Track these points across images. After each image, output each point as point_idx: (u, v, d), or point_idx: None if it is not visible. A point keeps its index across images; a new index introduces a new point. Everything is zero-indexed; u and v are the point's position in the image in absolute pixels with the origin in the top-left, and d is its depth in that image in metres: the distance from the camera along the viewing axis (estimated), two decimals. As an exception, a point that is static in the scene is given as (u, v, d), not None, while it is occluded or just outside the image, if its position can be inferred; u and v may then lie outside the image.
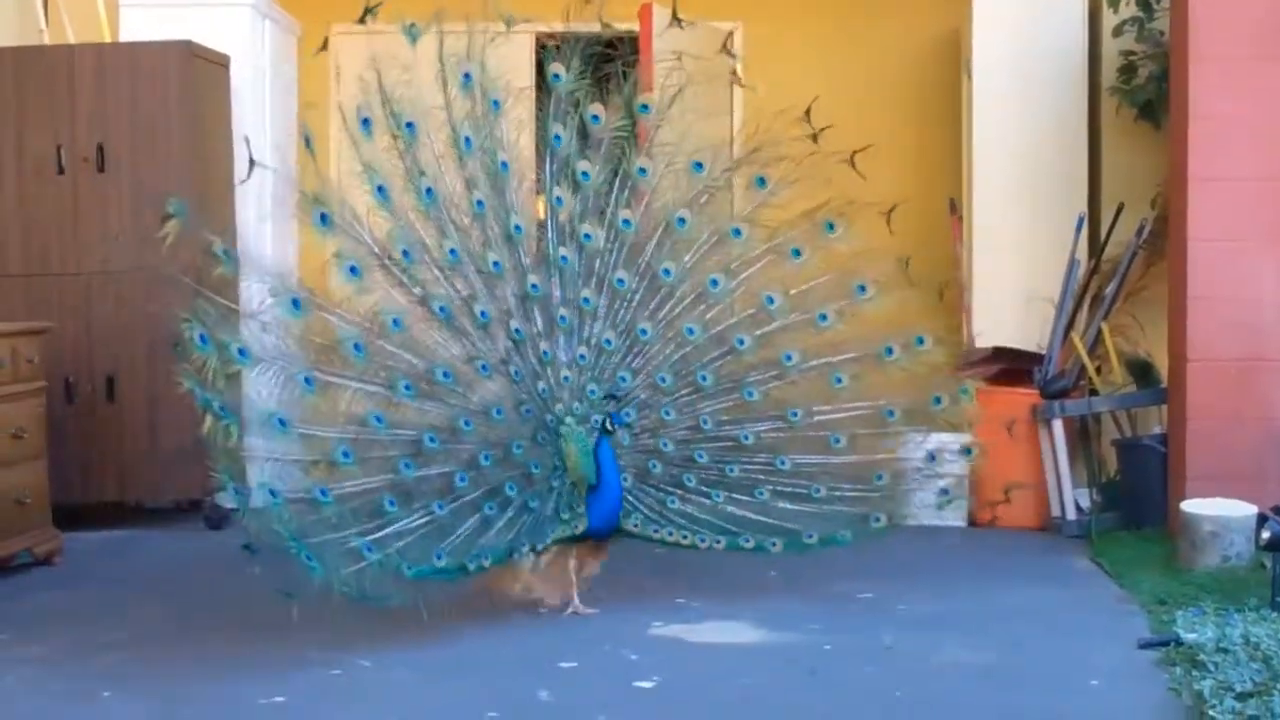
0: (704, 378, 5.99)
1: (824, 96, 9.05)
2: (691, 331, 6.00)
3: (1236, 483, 6.52)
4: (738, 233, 6.11)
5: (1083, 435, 7.81)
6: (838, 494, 6.05)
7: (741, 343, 6.02)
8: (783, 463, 6.02)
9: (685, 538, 5.97)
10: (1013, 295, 8.13)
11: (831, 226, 6.11)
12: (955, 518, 7.80)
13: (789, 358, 6.03)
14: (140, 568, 7.05)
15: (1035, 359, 7.78)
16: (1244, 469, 6.66)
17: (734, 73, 6.30)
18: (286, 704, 4.77)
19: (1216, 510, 6.35)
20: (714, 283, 6.03)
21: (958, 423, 6.29)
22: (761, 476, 6.04)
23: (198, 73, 7.94)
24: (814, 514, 6.03)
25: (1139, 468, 7.42)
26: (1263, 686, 4.49)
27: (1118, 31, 8.02)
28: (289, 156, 9.05)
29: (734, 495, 6.02)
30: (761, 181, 6.13)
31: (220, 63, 8.22)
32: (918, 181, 9.05)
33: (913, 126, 9.15)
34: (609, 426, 5.75)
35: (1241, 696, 4.44)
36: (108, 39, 8.26)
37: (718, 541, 6.00)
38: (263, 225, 8.58)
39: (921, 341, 6.08)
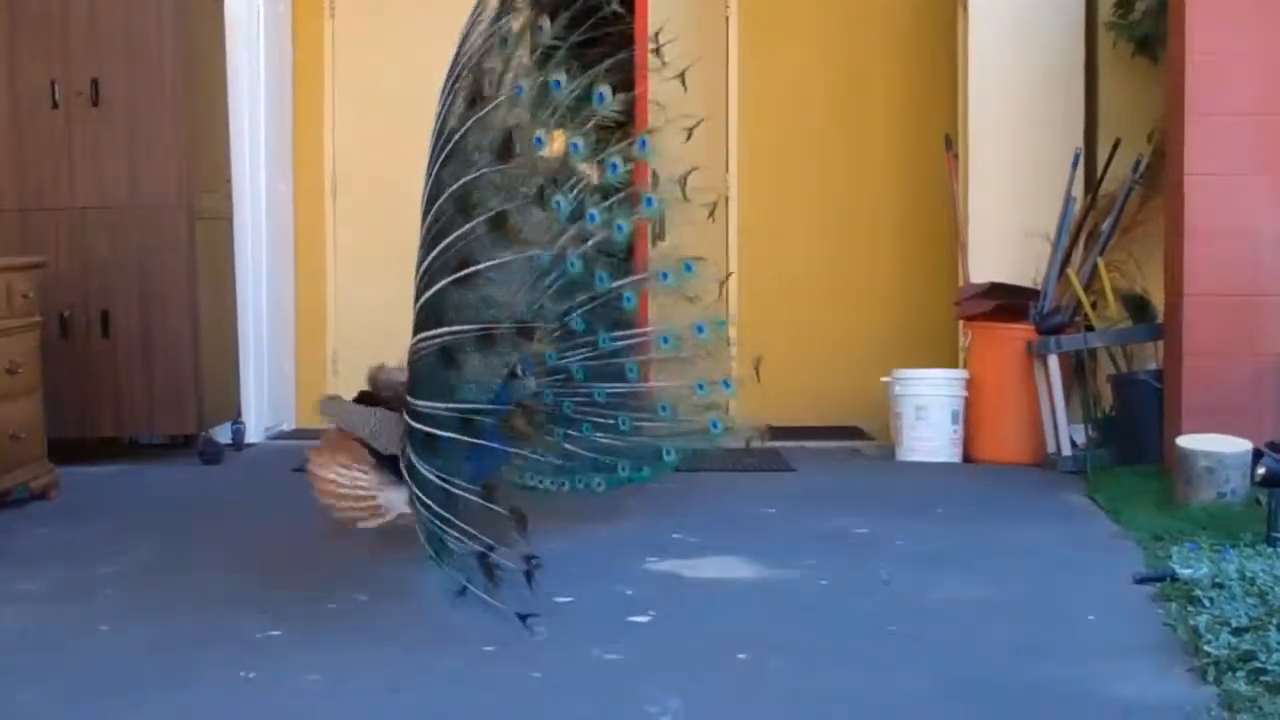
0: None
1: (819, 31, 9.11)
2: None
3: (1233, 418, 6.51)
4: None
5: (1078, 371, 7.80)
6: (638, 426, 5.99)
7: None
8: (600, 394, 5.94)
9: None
10: (1009, 231, 8.08)
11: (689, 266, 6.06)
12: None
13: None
14: (136, 503, 7.06)
15: (1031, 295, 7.76)
16: (1240, 404, 6.66)
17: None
18: (282, 637, 4.77)
19: (1212, 446, 6.34)
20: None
21: (717, 352, 6.17)
22: (588, 409, 5.95)
23: (192, 6, 7.88)
24: (623, 447, 5.99)
25: (1135, 403, 7.42)
26: (1258, 621, 4.49)
27: (1115, -36, 7.98)
28: (285, 94, 9.01)
29: (569, 432, 5.92)
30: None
31: (214, -4, 8.19)
32: (913, 118, 9.02)
33: (909, 62, 9.08)
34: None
35: (1237, 631, 4.45)
36: (100, -30, 8.19)
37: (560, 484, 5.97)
38: (257, 160, 8.54)
39: (690, 268, 6.04)
